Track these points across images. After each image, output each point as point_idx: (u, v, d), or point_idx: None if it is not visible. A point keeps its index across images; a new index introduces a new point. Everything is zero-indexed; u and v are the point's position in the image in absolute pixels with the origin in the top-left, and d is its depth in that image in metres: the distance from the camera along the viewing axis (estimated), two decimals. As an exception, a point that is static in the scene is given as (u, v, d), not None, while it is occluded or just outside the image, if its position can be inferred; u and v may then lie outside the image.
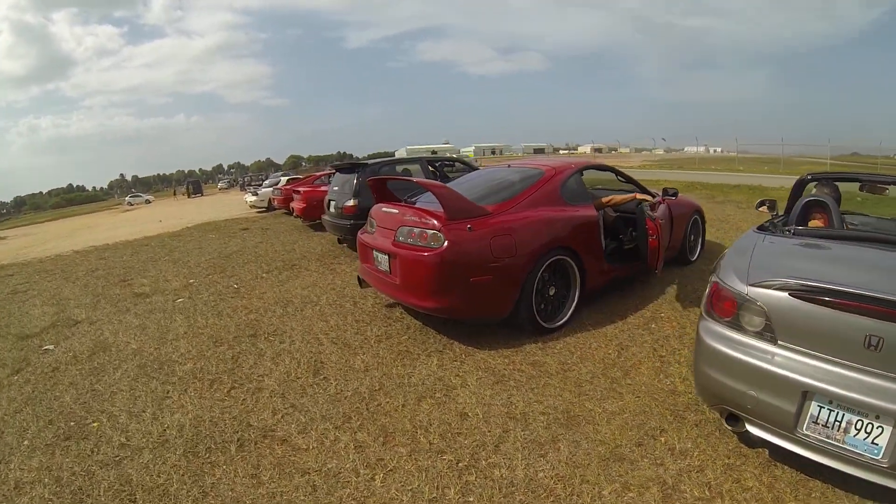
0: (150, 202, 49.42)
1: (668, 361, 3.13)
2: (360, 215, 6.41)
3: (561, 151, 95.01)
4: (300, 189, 10.46)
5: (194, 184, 48.43)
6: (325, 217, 7.39)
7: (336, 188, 7.18)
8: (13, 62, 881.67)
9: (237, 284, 5.78)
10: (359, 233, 4.32)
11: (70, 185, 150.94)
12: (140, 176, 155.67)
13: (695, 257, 5.43)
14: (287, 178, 17.54)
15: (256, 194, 16.55)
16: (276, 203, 14.22)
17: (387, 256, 3.63)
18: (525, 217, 3.55)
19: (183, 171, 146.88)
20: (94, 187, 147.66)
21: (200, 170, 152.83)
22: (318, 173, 16.15)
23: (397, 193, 4.48)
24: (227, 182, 57.13)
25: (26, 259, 10.43)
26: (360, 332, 3.92)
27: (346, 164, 7.05)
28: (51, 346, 4.26)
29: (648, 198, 4.68)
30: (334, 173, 11.65)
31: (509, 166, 4.70)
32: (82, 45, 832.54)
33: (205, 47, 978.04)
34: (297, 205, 10.33)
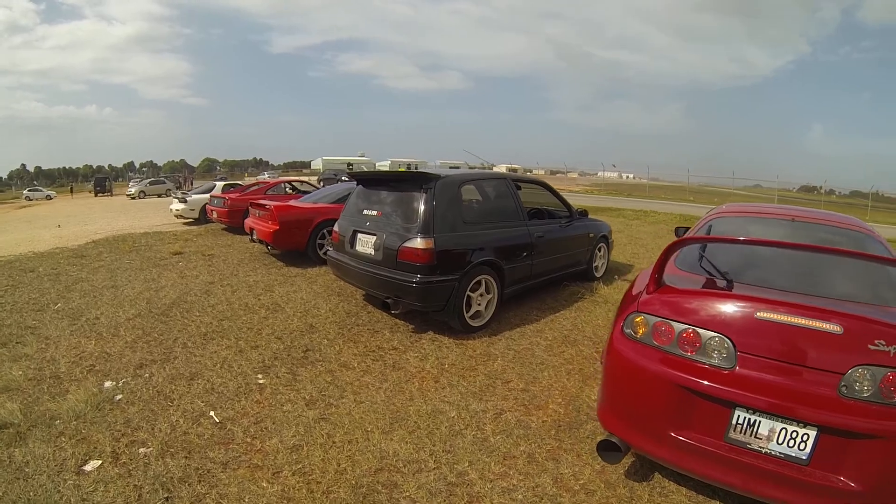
0: (51, 198, 43.86)
1: None
2: (437, 267, 3.77)
3: (476, 169, 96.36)
4: (267, 204, 7.39)
5: (101, 180, 42.05)
6: (341, 258, 4.58)
7: (371, 212, 4.41)
8: None
9: (212, 408, 2.84)
10: (623, 345, 2.06)
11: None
12: (44, 168, 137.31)
13: None
14: (224, 182, 14.02)
15: (185, 201, 12.81)
16: (215, 216, 10.76)
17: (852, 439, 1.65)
18: None
19: (91, 167, 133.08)
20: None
21: (110, 166, 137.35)
22: (271, 181, 12.75)
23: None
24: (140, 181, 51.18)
25: None
26: None
27: (392, 173, 4.39)
28: None
29: None
30: (340, 182, 8.73)
31: (794, 220, 2.82)
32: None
33: (124, 35, 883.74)
34: (260, 225, 7.25)
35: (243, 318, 4.56)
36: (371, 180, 4.64)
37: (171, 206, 13.28)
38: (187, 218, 12.92)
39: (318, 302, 5.06)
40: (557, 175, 47.47)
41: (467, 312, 4.06)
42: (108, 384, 3.18)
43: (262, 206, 7.39)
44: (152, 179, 38.72)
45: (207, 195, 12.98)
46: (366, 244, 4.30)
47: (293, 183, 12.14)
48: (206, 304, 5.01)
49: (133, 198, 30.91)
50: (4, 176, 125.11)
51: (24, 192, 47.36)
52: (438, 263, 3.77)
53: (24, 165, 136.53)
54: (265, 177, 70.18)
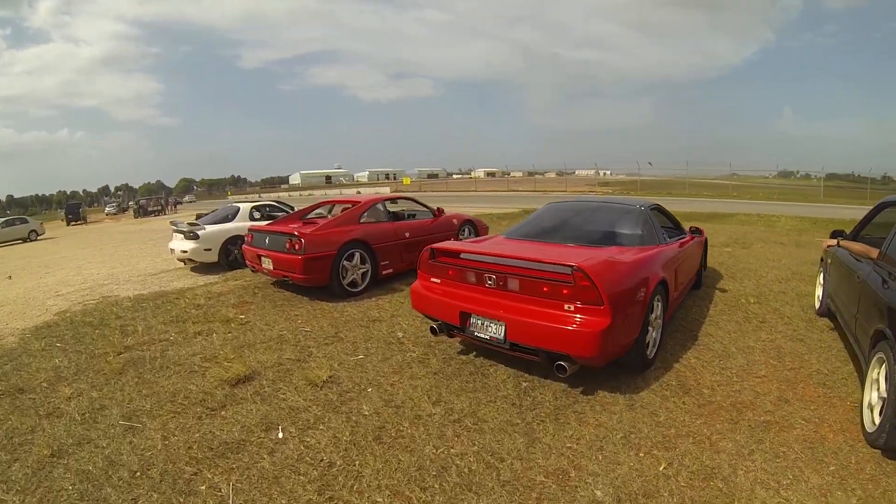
0: (18, 230, 36.71)
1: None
2: None
3: (454, 176, 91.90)
4: (553, 263, 2.53)
5: (74, 207, 34.97)
6: None
7: None
8: None
9: None
10: None
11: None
12: (16, 196, 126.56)
13: None
14: (251, 204, 8.92)
15: (195, 236, 7.72)
16: (268, 266, 5.73)
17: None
18: None
19: (65, 192, 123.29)
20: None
21: (85, 191, 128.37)
22: (362, 199, 7.36)
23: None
24: (117, 206, 43.47)
25: None
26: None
27: None
28: None
29: None
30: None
31: None
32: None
33: (92, 57, 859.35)
34: (537, 318, 2.32)
35: None
36: None
37: (173, 245, 8.08)
38: (196, 261, 7.82)
39: None
40: (535, 176, 44.37)
41: None
42: None
43: (531, 268, 2.51)
44: (6, 219, 24.21)
45: (232, 224, 7.98)
46: None
47: (385, 202, 7.24)
48: None
49: None
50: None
51: (-12, 226, 39.53)
52: None
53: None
54: (187, 200, 55.55)
